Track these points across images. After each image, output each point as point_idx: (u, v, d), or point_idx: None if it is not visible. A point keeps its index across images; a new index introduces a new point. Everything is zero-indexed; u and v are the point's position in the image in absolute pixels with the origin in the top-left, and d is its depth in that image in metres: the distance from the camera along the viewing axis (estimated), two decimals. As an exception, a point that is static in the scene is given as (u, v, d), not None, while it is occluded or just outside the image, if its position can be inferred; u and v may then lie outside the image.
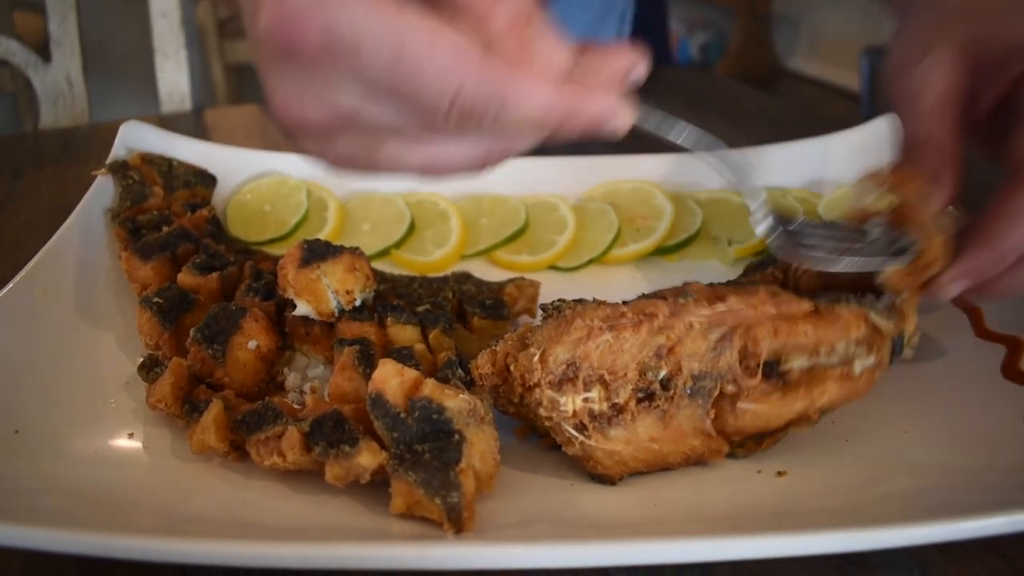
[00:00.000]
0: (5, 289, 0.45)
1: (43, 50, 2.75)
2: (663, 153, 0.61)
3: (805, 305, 0.36)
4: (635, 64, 0.32)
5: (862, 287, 0.38)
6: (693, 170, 0.59)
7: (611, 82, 0.31)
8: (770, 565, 0.31)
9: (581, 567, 0.30)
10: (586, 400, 0.33)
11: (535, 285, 0.45)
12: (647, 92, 0.87)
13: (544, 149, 0.71)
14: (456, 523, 0.29)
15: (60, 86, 0.99)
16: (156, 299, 0.41)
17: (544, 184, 0.57)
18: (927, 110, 0.40)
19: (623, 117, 0.31)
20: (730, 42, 4.73)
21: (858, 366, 0.35)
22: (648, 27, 1.13)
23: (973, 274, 0.38)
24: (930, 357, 0.43)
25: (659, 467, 0.34)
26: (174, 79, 0.98)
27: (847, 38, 4.36)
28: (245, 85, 2.82)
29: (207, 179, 0.56)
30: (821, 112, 4.08)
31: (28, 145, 0.82)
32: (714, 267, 0.52)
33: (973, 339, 0.44)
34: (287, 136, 0.32)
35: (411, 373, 0.32)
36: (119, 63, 2.18)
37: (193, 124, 0.88)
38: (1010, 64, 0.39)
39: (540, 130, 0.30)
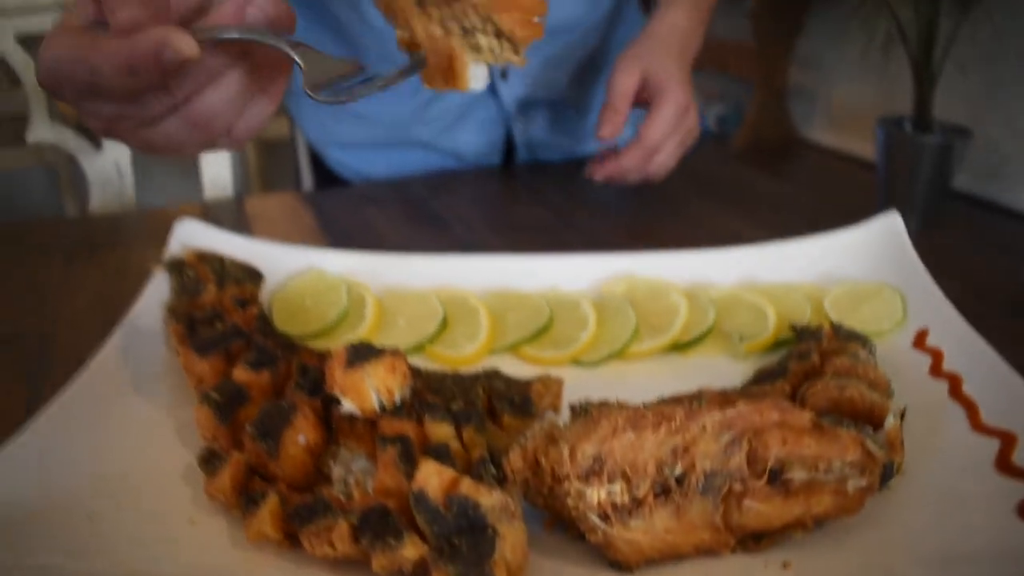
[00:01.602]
0: (76, 382, 0.49)
1: (86, 129, 2.85)
2: (679, 250, 0.65)
3: (807, 420, 0.39)
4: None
5: (863, 418, 0.42)
6: (707, 267, 0.63)
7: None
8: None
9: None
10: (609, 492, 0.36)
11: (559, 383, 0.49)
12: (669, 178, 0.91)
13: (566, 245, 0.76)
14: (491, 611, 0.33)
15: (109, 172, 1.05)
16: (214, 395, 0.45)
17: (567, 279, 0.62)
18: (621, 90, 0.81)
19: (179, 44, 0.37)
20: (747, 113, 4.81)
21: (851, 486, 0.39)
22: None
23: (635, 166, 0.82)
24: (927, 451, 0.46)
25: (672, 556, 0.37)
26: (217, 168, 1.03)
27: (862, 109, 4.43)
28: (275, 158, 2.91)
29: (254, 276, 0.60)
30: (836, 184, 4.14)
31: (79, 230, 0.87)
32: (726, 362, 0.55)
33: (968, 432, 0.47)
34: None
35: (449, 472, 0.36)
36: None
37: (234, 212, 0.94)
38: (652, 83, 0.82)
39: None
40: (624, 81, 0.81)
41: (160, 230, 0.85)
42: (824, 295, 0.60)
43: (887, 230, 0.63)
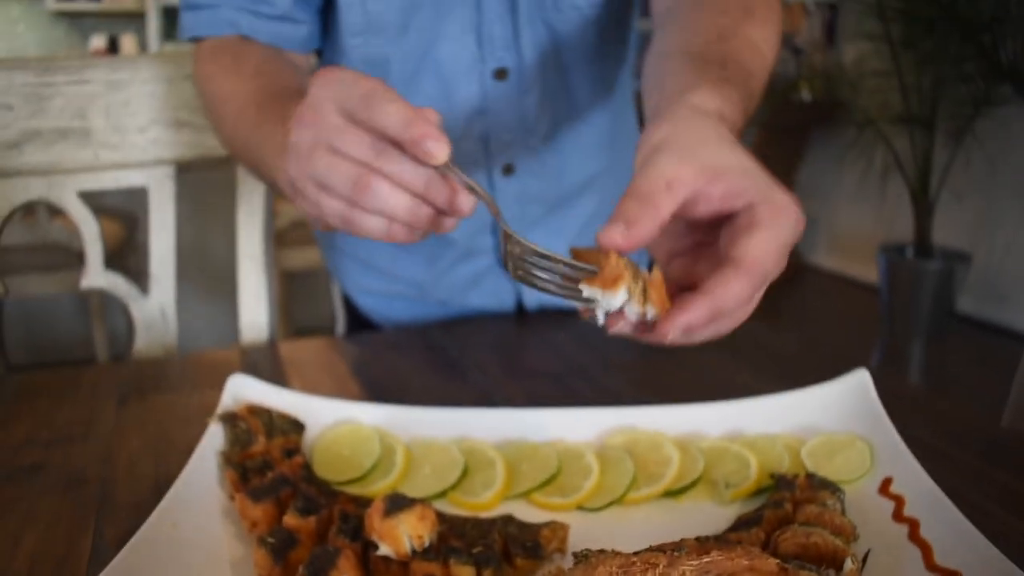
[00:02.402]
0: (145, 524, 0.56)
1: (120, 252, 2.97)
2: (674, 405, 0.73)
3: (774, 565, 0.46)
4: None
5: (826, 561, 0.49)
6: (698, 420, 0.71)
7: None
8: None
9: None
10: (604, 632, 0.44)
11: (565, 528, 0.56)
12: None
13: (574, 393, 0.84)
14: None
15: (154, 316, 1.14)
16: (270, 540, 0.53)
17: (573, 431, 0.70)
18: (669, 178, 0.52)
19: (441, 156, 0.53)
20: (753, 241, 4.95)
21: None
22: None
23: (689, 327, 0.52)
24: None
25: None
26: (255, 314, 1.13)
27: (863, 234, 4.57)
28: (296, 288, 3.04)
29: (298, 427, 0.69)
30: (840, 310, 4.22)
31: (129, 373, 0.96)
32: (713, 507, 0.63)
33: (923, 572, 0.54)
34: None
35: (473, 610, 0.43)
36: (206, 291, 2.41)
37: (269, 356, 1.03)
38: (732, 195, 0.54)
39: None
40: (675, 170, 0.53)
41: (204, 374, 0.94)
42: (801, 445, 0.67)
43: (857, 386, 0.71)
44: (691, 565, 0.45)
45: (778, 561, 0.47)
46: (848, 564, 0.50)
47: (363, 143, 0.54)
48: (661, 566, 0.45)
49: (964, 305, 4.10)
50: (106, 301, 2.90)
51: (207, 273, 2.42)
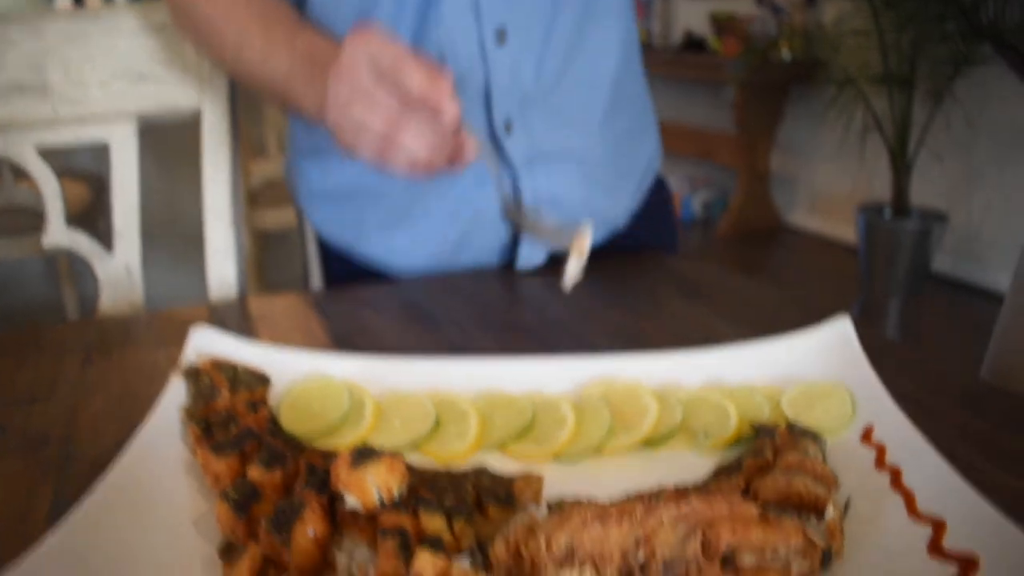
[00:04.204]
0: (100, 483, 0.54)
1: (85, 215, 2.92)
2: (652, 353, 0.72)
3: (754, 511, 0.45)
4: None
5: (807, 509, 0.48)
6: (676, 369, 0.69)
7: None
8: None
9: None
10: (580, 578, 0.42)
11: (540, 479, 0.54)
12: (647, 279, 1.00)
13: (552, 346, 0.82)
14: None
15: (120, 274, 1.11)
16: (232, 493, 0.50)
17: (549, 381, 0.68)
18: None
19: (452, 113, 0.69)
20: (732, 199, 4.96)
21: (794, 569, 0.44)
22: (657, 218, 1.25)
23: None
24: (867, 536, 0.51)
25: (637, 636, 0.43)
26: (223, 270, 1.10)
27: (842, 194, 4.58)
28: (270, 250, 2.99)
29: (263, 380, 0.66)
30: (818, 269, 4.24)
31: (93, 332, 0.93)
32: (691, 457, 0.61)
33: (905, 520, 0.53)
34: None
35: (442, 562, 0.41)
36: (173, 249, 2.37)
37: (238, 312, 1.00)
38: None
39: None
40: None
41: (170, 332, 0.91)
42: (782, 395, 0.66)
43: (838, 333, 0.70)
44: (669, 512, 0.43)
45: (758, 508, 0.45)
46: (830, 511, 0.49)
47: (391, 102, 0.69)
48: (638, 513, 0.43)
49: (940, 264, 4.13)
50: (75, 265, 2.85)
51: (175, 234, 2.37)
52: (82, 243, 1.11)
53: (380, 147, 0.72)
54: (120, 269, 1.11)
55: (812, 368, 0.69)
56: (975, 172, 3.85)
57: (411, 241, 1.07)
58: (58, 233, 1.10)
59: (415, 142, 0.71)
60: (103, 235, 1.13)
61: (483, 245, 1.06)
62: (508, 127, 0.99)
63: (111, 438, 0.68)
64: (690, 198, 5.24)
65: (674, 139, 5.40)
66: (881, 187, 3.99)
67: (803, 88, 4.56)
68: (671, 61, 5.09)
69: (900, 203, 3.68)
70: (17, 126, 1.08)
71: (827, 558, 0.46)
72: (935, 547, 0.50)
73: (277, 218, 2.84)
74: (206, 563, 0.50)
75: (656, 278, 1.04)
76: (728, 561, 0.44)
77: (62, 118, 1.09)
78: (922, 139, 3.61)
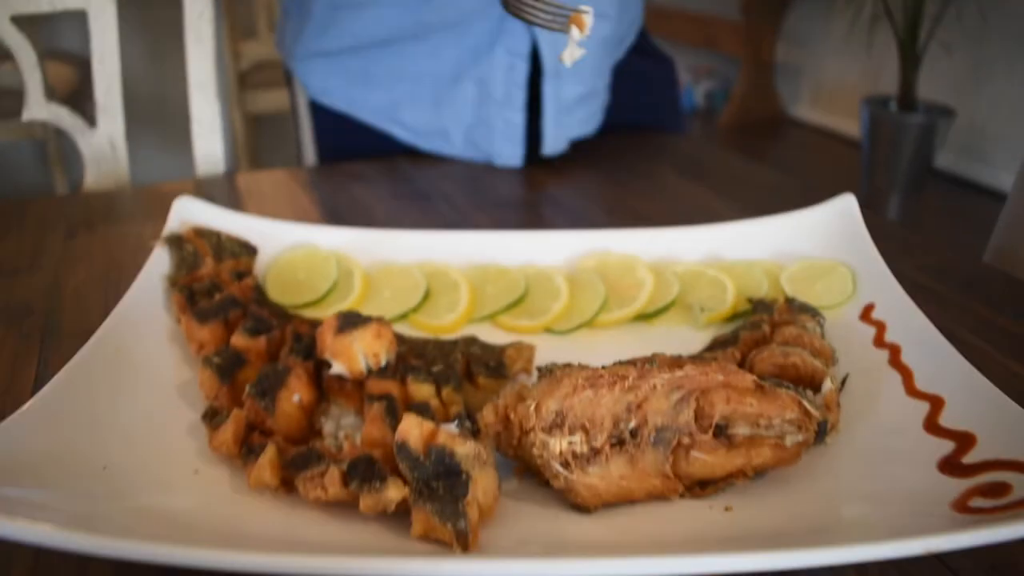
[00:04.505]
0: (84, 350, 0.53)
1: (72, 98, 2.86)
2: (648, 228, 0.70)
3: (750, 381, 0.44)
4: None
5: (804, 382, 0.47)
6: (674, 244, 0.67)
7: None
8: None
9: None
10: (570, 443, 0.41)
11: (531, 348, 0.53)
12: (648, 158, 0.96)
13: (547, 222, 0.80)
14: (463, 544, 0.37)
15: (104, 149, 1.08)
16: (215, 359, 0.49)
17: (543, 255, 0.66)
18: None
19: None
20: (735, 90, 4.86)
21: (789, 440, 0.43)
22: (659, 94, 1.21)
23: None
24: (864, 411, 0.51)
25: (626, 500, 0.42)
26: (209, 145, 1.07)
27: (848, 87, 4.48)
28: (262, 134, 2.94)
29: (249, 249, 0.64)
30: (820, 162, 4.18)
31: (78, 206, 0.91)
32: (687, 332, 0.60)
33: (903, 396, 0.52)
34: None
35: (429, 424, 0.40)
36: (157, 127, 2.31)
37: (227, 188, 0.97)
38: None
39: None
40: None
41: (155, 206, 0.89)
42: (781, 271, 0.64)
43: (843, 211, 0.68)
44: (663, 379, 0.42)
45: (754, 378, 0.44)
46: (827, 385, 0.48)
47: None
48: (631, 379, 0.42)
49: (943, 160, 4.07)
50: (65, 149, 2.79)
51: (162, 114, 2.31)
52: (63, 117, 1.07)
53: None
54: (104, 144, 1.08)
55: (814, 245, 0.67)
56: (984, 67, 3.75)
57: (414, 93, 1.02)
58: (37, 107, 1.06)
59: None
60: (90, 117, 1.09)
61: (504, 131, 1.01)
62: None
63: (95, 310, 0.66)
64: (692, 88, 5.12)
65: (676, 25, 5.23)
66: (888, 81, 3.90)
67: (812, -26, 4.40)
68: (676, -56, 4.90)
69: (906, 97, 3.60)
70: (-10, -9, 1.03)
71: (823, 431, 0.45)
72: (932, 424, 0.49)
73: (269, 100, 2.77)
74: (190, 428, 0.49)
75: (657, 158, 1.02)
76: (721, 430, 0.43)
77: (38, -17, 1.04)
78: (933, 31, 3.50)
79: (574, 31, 0.59)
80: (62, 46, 2.69)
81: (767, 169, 1.00)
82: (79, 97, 2.61)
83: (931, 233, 3.51)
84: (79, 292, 0.71)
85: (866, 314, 0.60)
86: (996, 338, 0.62)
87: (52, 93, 1.77)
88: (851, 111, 4.28)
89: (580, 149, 1.02)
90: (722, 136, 4.67)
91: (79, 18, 1.06)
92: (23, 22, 1.06)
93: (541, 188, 0.91)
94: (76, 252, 0.79)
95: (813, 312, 0.57)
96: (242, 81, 2.76)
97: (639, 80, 1.13)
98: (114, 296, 0.68)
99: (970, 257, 0.76)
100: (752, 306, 0.59)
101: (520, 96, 0.97)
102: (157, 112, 2.33)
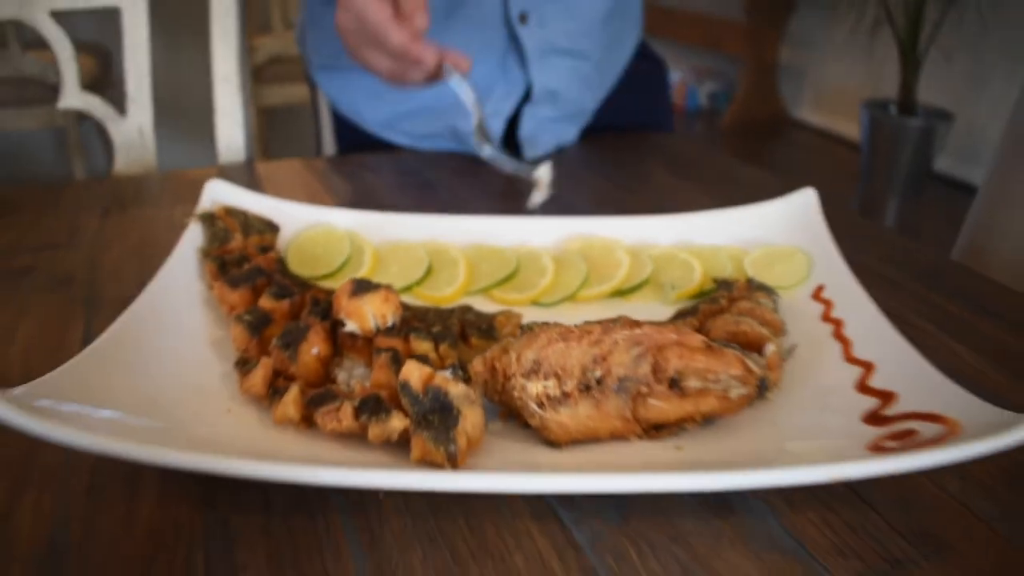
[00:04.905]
0: (128, 311, 0.60)
1: (95, 87, 2.95)
2: (627, 216, 0.77)
3: (700, 341, 0.51)
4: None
5: (752, 347, 0.55)
6: (650, 230, 0.75)
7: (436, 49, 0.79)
8: (663, 504, 0.47)
9: (530, 491, 0.47)
10: (545, 387, 0.49)
11: (519, 316, 0.61)
12: (638, 155, 1.04)
13: (540, 211, 0.87)
14: (453, 464, 0.45)
15: (133, 137, 1.16)
16: (246, 317, 0.57)
17: (533, 237, 0.74)
18: None
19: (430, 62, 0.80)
20: (737, 91, 4.92)
21: (733, 392, 0.51)
22: (652, 95, 1.29)
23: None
24: (806, 374, 0.58)
25: (591, 438, 0.50)
26: (231, 134, 1.15)
27: (850, 90, 4.55)
28: (275, 127, 3.02)
29: (272, 227, 0.72)
30: (820, 164, 4.24)
31: (110, 189, 0.99)
32: (658, 307, 0.68)
33: (841, 362, 0.60)
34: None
35: (427, 369, 0.48)
36: (183, 117, 2.39)
37: (247, 174, 1.05)
38: None
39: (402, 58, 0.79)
40: None
41: (182, 189, 0.97)
42: (745, 255, 0.72)
43: (804, 203, 0.75)
44: (623, 334, 0.50)
45: (704, 338, 0.52)
46: (769, 348, 0.55)
47: (382, 58, 0.81)
48: (596, 333, 0.50)
49: (942, 164, 4.14)
50: (85, 138, 2.88)
51: (184, 106, 2.40)
52: (96, 106, 1.16)
53: (386, 78, 0.84)
54: (133, 131, 1.16)
55: (777, 233, 0.75)
56: (984, 73, 3.82)
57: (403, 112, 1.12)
58: (72, 96, 1.14)
59: (411, 79, 0.83)
60: (119, 105, 1.17)
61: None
62: (523, 18, 1.04)
63: (131, 280, 0.74)
64: (695, 89, 5.19)
65: (680, 26, 5.29)
66: (889, 85, 3.96)
67: (816, -22, 4.47)
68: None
69: (906, 100, 3.66)
70: (31, -11, 1.11)
71: (763, 387, 0.53)
72: (862, 385, 0.57)
73: (282, 94, 2.86)
74: (222, 377, 0.57)
75: (646, 155, 1.09)
76: (674, 383, 0.51)
77: (74, -19, 1.12)
78: (933, 36, 3.57)
79: (536, 190, 0.77)
80: (80, 36, 2.78)
81: (752, 167, 1.07)
82: (99, 86, 2.69)
83: (928, 236, 3.59)
84: (115, 265, 0.78)
85: (817, 294, 0.68)
86: (942, 321, 0.69)
87: (90, 87, 1.86)
88: (853, 114, 4.35)
89: (575, 147, 1.10)
90: (725, 137, 4.73)
91: (98, 11, 1.14)
92: (60, 17, 1.14)
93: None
94: (110, 230, 0.86)
95: (769, 291, 0.65)
96: (256, 75, 2.84)
97: (632, 82, 1.21)
98: (148, 269, 0.75)
99: (934, 252, 0.83)
100: (716, 285, 0.67)
101: (501, 124, 1.08)
102: (179, 102, 2.41)
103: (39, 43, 1.22)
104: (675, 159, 1.08)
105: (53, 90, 2.46)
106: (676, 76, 5.30)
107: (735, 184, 1.00)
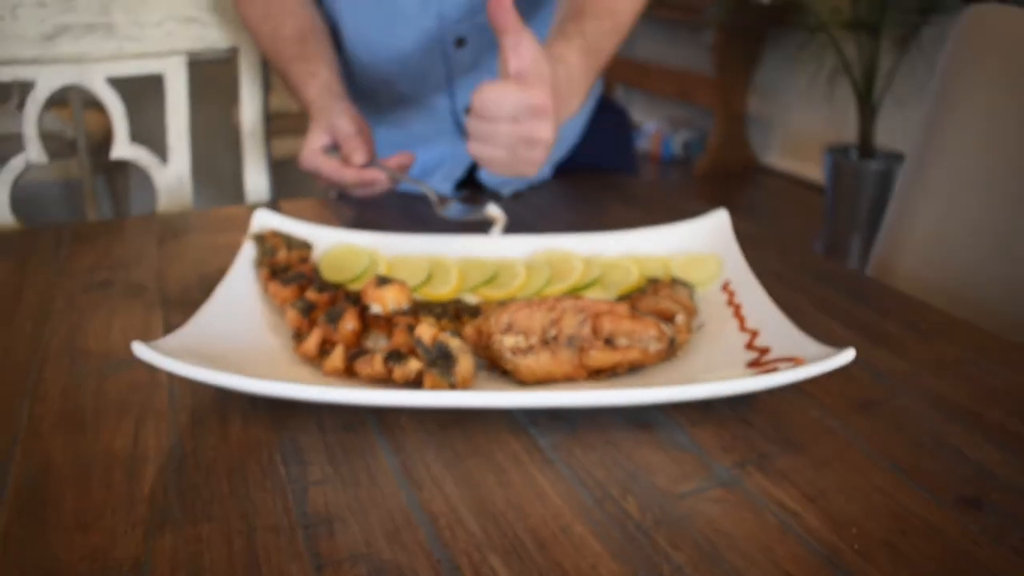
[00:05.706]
0: (206, 304, 0.80)
1: (105, 142, 3.10)
2: (583, 234, 0.99)
3: (626, 310, 0.72)
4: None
5: (667, 319, 0.76)
6: (601, 244, 0.97)
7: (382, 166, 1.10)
8: (601, 421, 0.68)
9: (507, 406, 0.67)
10: (515, 341, 0.69)
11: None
12: (600, 193, 1.28)
13: (514, 230, 1.08)
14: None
15: (173, 182, 1.37)
16: (298, 304, 0.78)
17: (509, 251, 0.96)
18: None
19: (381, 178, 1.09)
20: (710, 140, 5.19)
21: (652, 347, 0.71)
22: (616, 144, 1.50)
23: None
24: (709, 340, 0.79)
25: (550, 379, 0.70)
26: (256, 180, 1.37)
27: (814, 137, 4.83)
28: (282, 177, 3.23)
29: (307, 245, 0.94)
30: (786, 207, 4.48)
31: (159, 223, 1.19)
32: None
33: (737, 331, 0.80)
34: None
35: (434, 329, 0.69)
36: (214, 165, 2.62)
37: (274, 210, 1.26)
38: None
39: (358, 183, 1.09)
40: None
41: (219, 223, 1.17)
42: (672, 260, 0.94)
43: (719, 220, 0.97)
44: (571, 305, 0.71)
45: (629, 308, 0.73)
46: (679, 318, 0.77)
47: (351, 174, 1.07)
48: (551, 303, 0.71)
49: (901, 203, 4.39)
50: (96, 188, 3.08)
51: (215, 158, 2.62)
52: (142, 156, 1.37)
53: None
54: (173, 178, 1.37)
55: (699, 244, 0.96)
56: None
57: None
58: (123, 147, 1.36)
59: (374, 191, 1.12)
60: (161, 154, 1.39)
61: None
62: (468, 111, 1.25)
63: (194, 288, 0.95)
64: (671, 137, 5.46)
65: (655, 80, 5.56)
66: (849, 130, 4.24)
67: (780, 32, 4.76)
68: (653, 3, 5.27)
69: (865, 145, 3.93)
70: (89, 60, 1.33)
71: (673, 343, 0.74)
72: (750, 345, 0.78)
73: (285, 147, 3.08)
74: (280, 349, 0.78)
75: (608, 193, 1.31)
76: (609, 340, 0.71)
77: (125, 53, 1.34)
78: (888, 85, 3.85)
79: (495, 219, 1.00)
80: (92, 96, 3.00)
81: (703, 201, 1.29)
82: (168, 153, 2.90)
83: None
84: (179, 277, 0.98)
85: (725, 286, 0.89)
86: (822, 305, 0.90)
87: (91, 137, 2.08)
88: (817, 159, 4.62)
89: (546, 186, 1.32)
90: (698, 184, 4.99)
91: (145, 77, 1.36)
92: (115, 83, 1.36)
93: (511, 214, 1.20)
94: (168, 253, 1.06)
95: (685, 284, 0.86)
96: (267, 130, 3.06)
97: (597, 131, 1.43)
98: (206, 280, 0.96)
99: (835, 263, 1.05)
100: (648, 282, 0.89)
101: (451, 186, 1.33)
102: (211, 153, 2.63)
103: (57, 102, 1.44)
104: (635, 198, 1.29)
105: (70, 146, 2.68)
106: (652, 126, 5.56)
107: (683, 215, 1.22)
